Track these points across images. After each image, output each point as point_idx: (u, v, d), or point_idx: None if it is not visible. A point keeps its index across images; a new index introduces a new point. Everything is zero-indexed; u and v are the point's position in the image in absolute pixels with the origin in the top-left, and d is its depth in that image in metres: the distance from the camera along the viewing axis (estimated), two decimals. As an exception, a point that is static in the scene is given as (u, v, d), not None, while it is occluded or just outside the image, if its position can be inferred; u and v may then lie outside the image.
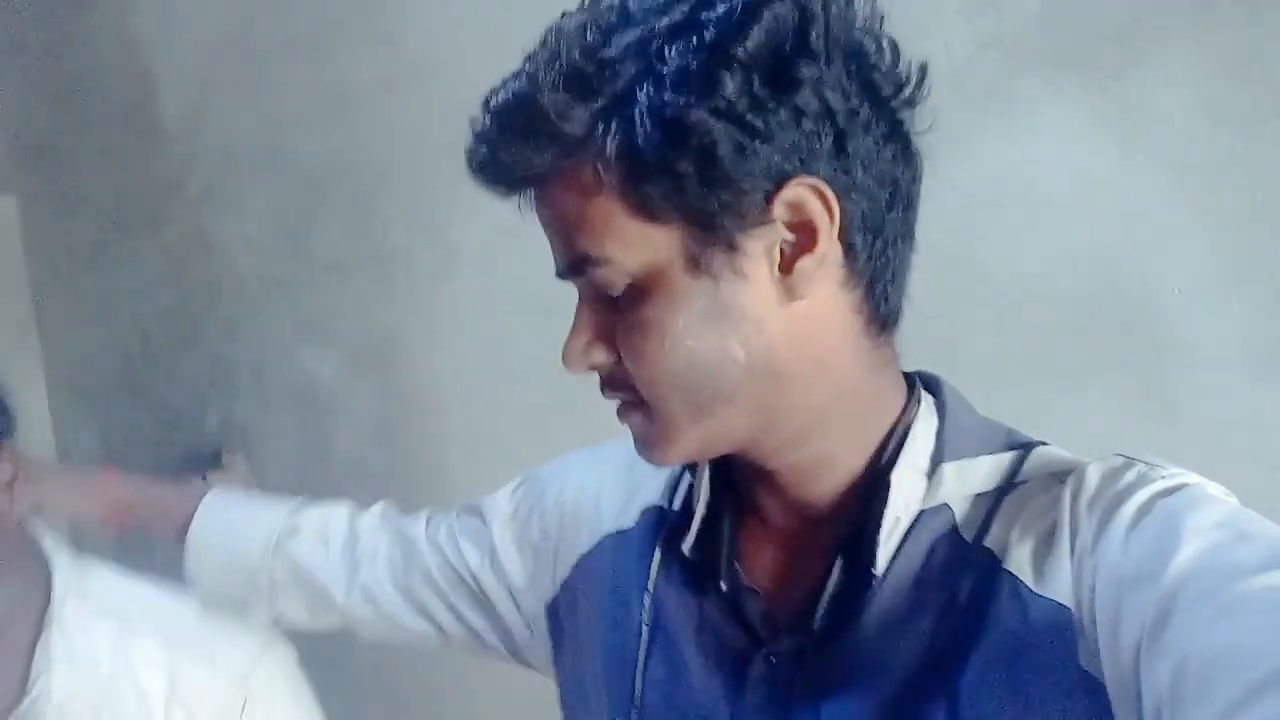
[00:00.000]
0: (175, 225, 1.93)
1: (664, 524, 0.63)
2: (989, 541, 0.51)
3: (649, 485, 0.66)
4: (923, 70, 0.51)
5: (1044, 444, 0.55)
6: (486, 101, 0.51)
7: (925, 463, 0.54)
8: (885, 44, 0.50)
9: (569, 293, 0.56)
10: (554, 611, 0.71)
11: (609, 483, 0.70)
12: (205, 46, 1.77)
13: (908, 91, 0.51)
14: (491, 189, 0.53)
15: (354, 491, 1.54)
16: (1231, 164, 0.88)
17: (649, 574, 0.61)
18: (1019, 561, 0.50)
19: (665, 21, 0.47)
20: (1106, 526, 0.48)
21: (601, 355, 0.53)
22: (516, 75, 0.50)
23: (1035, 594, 0.49)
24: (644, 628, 0.60)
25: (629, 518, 0.66)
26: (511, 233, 0.55)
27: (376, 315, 1.58)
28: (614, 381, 0.54)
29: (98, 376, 2.39)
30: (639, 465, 0.58)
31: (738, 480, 0.60)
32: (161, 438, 2.09)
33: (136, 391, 2.25)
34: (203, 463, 1.87)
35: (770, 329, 0.50)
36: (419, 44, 1.44)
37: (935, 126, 0.52)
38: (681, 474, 0.64)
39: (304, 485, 1.72)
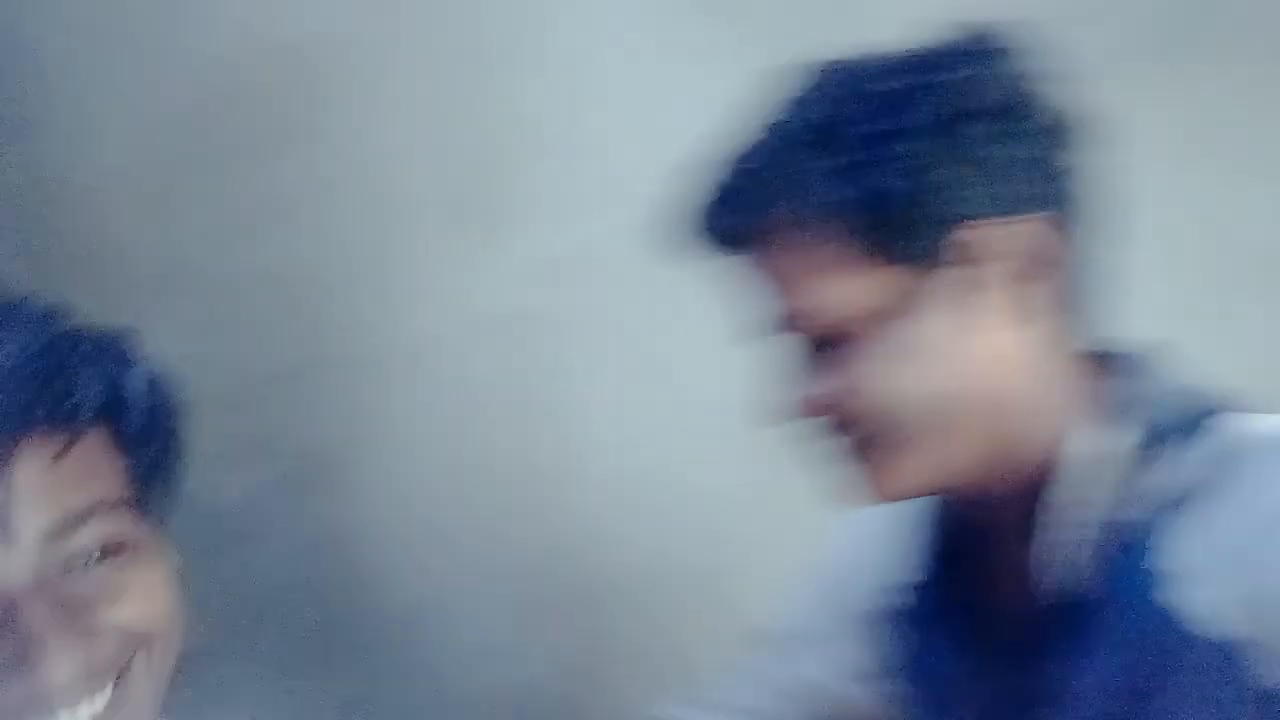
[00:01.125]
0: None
1: (901, 601, 0.68)
2: (1171, 553, 0.55)
3: (886, 556, 0.70)
4: (1082, 118, 0.60)
5: (1236, 412, 0.59)
6: (717, 162, 0.60)
7: (1107, 472, 0.57)
8: (1050, 89, 0.59)
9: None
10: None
11: (875, 548, 0.73)
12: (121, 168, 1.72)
13: (1074, 128, 0.59)
14: (711, 247, 0.61)
15: (281, 619, 1.48)
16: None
17: (904, 642, 0.68)
18: (1197, 578, 0.54)
19: (895, 87, 0.56)
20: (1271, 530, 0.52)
21: (823, 399, 0.58)
22: (753, 136, 0.59)
23: (1209, 618, 0.52)
24: (909, 690, 0.67)
25: (875, 606, 0.71)
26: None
27: (314, 431, 1.51)
28: (835, 423, 0.59)
29: None
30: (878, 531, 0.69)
31: (969, 519, 0.64)
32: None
33: None
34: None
35: (990, 361, 0.56)
36: (355, 146, 1.43)
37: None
38: (910, 546, 0.68)
39: (228, 613, 1.58)
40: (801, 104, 0.58)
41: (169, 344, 1.45)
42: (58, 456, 0.44)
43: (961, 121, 0.55)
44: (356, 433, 1.45)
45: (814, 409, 0.59)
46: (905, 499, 0.63)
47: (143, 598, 0.49)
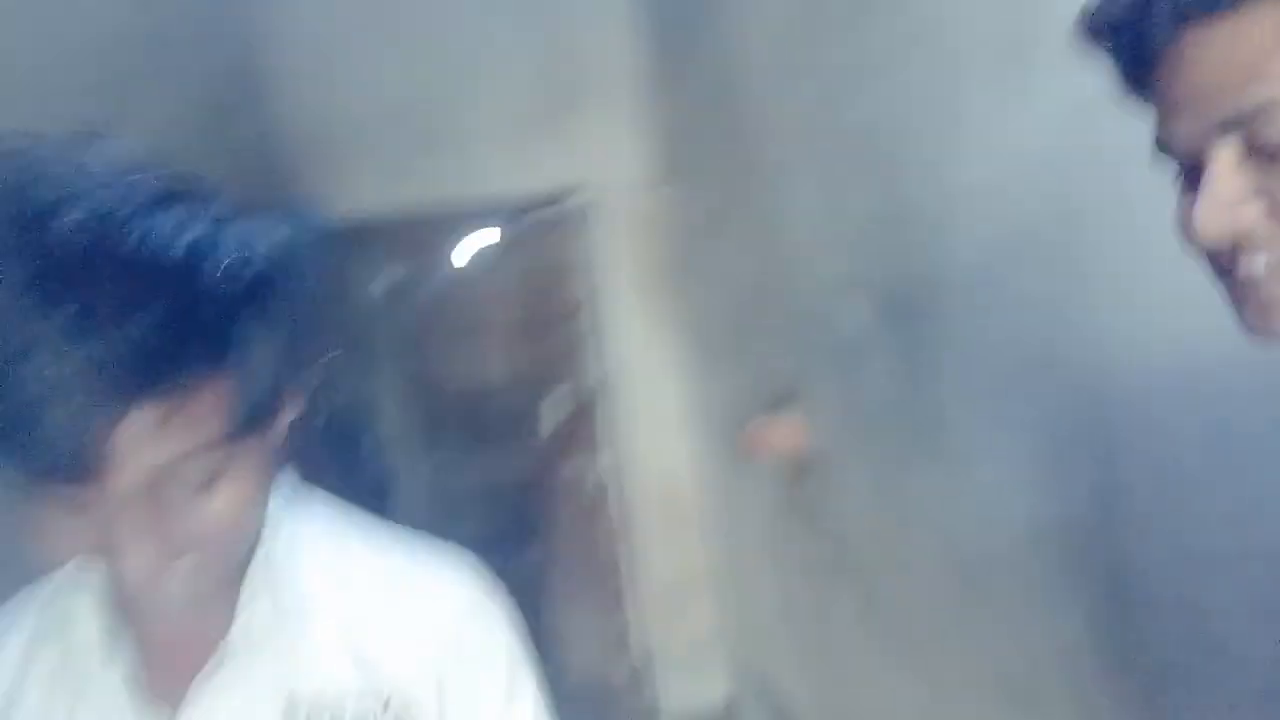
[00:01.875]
0: (756, 199, 2.25)
1: None
2: None
3: None
4: None
5: None
6: None
7: None
8: None
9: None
10: None
11: None
12: (772, 40, 2.07)
13: None
14: (1113, 45, 0.53)
15: (885, 432, 1.82)
16: None
17: None
18: None
19: None
20: None
21: (1249, 214, 0.49)
22: None
23: None
24: None
25: None
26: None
27: (906, 268, 1.65)
28: (1258, 241, 0.49)
29: (707, 338, 2.76)
30: None
31: None
32: (743, 387, 2.48)
33: (732, 349, 2.60)
34: (766, 409, 2.24)
35: None
36: (924, 12, 1.48)
37: None
38: None
39: (844, 426, 2.01)
40: None
41: (802, 191, 1.97)
42: (167, 415, 0.49)
43: None
44: (930, 270, 1.56)
45: (1220, 231, 0.49)
46: None
47: (225, 507, 0.55)
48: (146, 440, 0.50)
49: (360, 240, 3.21)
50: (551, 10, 2.91)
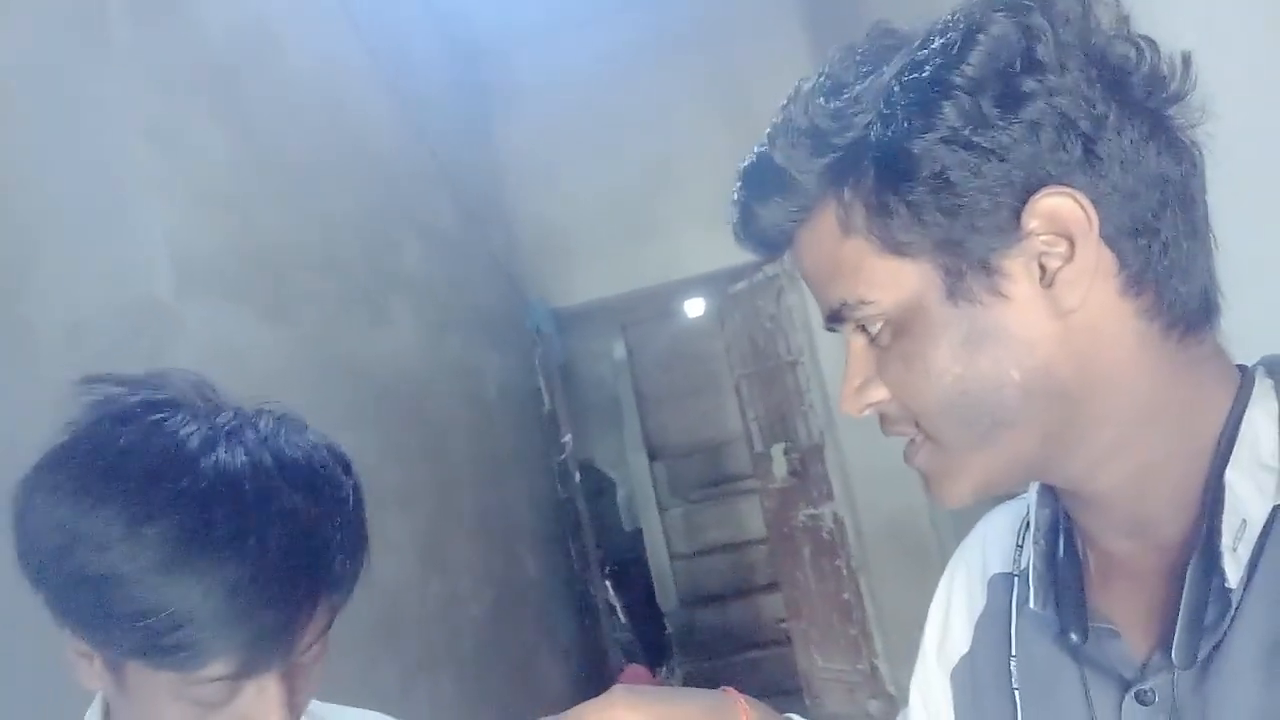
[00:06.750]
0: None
1: (1014, 587, 0.62)
2: None
3: (998, 550, 0.66)
4: (1186, 62, 0.49)
5: None
6: (740, 170, 0.56)
7: (1272, 453, 0.49)
8: (1140, 44, 0.49)
9: None
10: (955, 678, 0.68)
11: (993, 541, 0.68)
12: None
13: (1171, 88, 0.49)
14: (756, 252, 0.58)
15: None
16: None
17: (1010, 639, 0.61)
18: None
19: (890, 68, 0.50)
20: None
21: (877, 394, 0.53)
22: (760, 143, 0.54)
23: None
24: (1015, 693, 0.59)
25: (987, 583, 0.67)
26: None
27: None
28: (894, 419, 0.54)
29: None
30: (1000, 524, 0.65)
31: (1075, 519, 0.58)
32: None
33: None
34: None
35: (1044, 347, 0.49)
36: None
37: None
38: (1022, 532, 0.63)
39: None
40: (807, 95, 0.52)
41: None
42: (331, 606, 0.63)
43: (974, 84, 0.46)
44: None
45: (855, 407, 0.54)
46: (967, 499, 0.55)
47: (316, 682, 0.67)
48: (314, 628, 0.62)
49: (592, 320, 3.55)
50: (741, 105, 3.27)
